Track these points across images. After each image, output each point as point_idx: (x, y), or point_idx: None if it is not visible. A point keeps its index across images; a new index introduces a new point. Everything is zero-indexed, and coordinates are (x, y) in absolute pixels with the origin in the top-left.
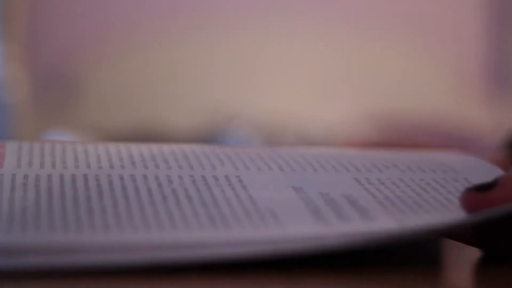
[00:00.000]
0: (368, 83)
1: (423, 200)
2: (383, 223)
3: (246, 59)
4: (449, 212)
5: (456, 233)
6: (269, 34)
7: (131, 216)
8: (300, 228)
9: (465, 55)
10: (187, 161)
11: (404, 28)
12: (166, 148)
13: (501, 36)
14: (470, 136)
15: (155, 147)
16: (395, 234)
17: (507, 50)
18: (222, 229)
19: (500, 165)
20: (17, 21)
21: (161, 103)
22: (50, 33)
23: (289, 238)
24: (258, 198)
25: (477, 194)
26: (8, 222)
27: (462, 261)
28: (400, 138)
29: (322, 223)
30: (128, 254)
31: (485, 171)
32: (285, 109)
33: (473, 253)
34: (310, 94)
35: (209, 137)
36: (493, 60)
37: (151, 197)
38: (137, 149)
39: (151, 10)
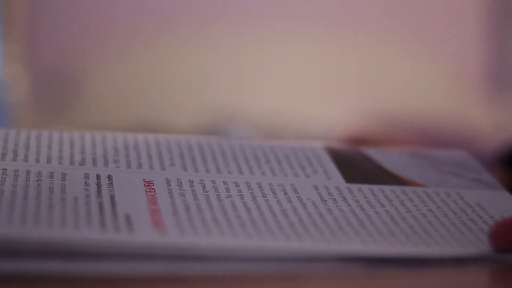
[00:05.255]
0: (368, 83)
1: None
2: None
3: (246, 59)
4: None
5: None
6: (269, 34)
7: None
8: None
9: (466, 55)
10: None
11: (405, 29)
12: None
13: (501, 36)
14: (470, 136)
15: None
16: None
17: (507, 50)
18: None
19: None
20: (17, 21)
21: (161, 103)
22: (50, 33)
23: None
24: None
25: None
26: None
27: None
28: (399, 136)
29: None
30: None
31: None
32: (285, 109)
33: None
34: (310, 94)
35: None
36: (493, 60)
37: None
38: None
39: (151, 10)
